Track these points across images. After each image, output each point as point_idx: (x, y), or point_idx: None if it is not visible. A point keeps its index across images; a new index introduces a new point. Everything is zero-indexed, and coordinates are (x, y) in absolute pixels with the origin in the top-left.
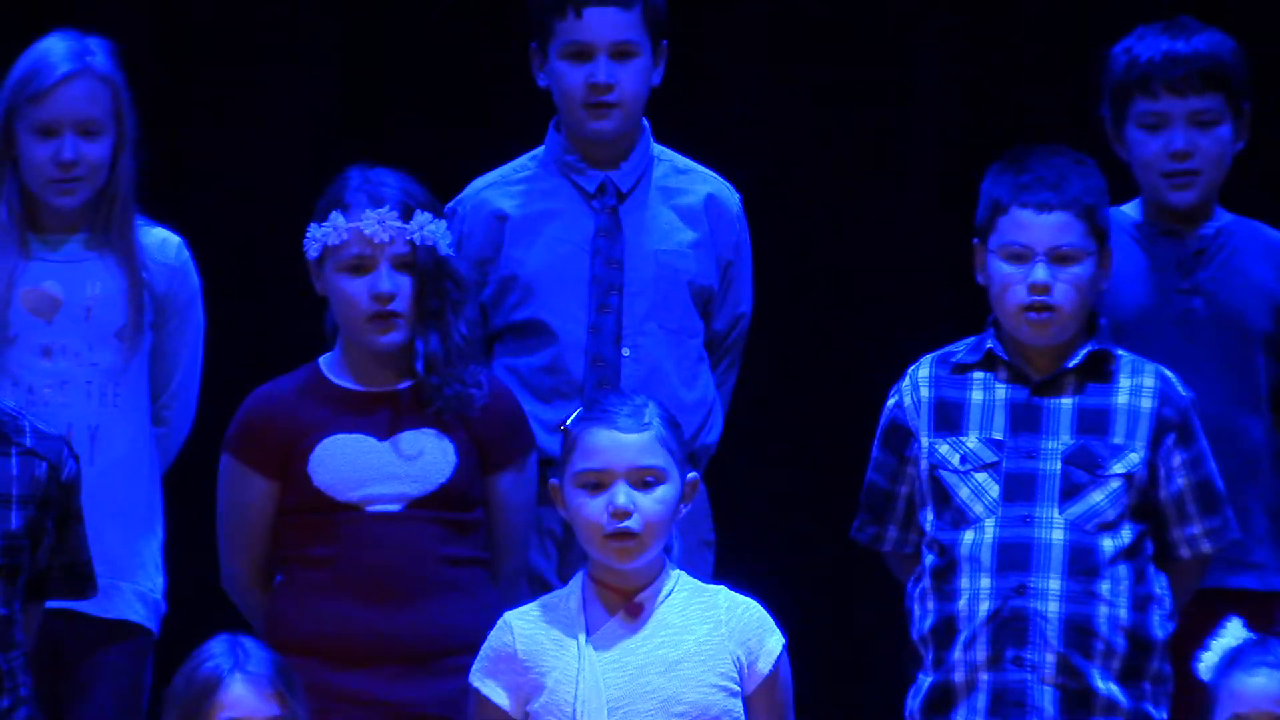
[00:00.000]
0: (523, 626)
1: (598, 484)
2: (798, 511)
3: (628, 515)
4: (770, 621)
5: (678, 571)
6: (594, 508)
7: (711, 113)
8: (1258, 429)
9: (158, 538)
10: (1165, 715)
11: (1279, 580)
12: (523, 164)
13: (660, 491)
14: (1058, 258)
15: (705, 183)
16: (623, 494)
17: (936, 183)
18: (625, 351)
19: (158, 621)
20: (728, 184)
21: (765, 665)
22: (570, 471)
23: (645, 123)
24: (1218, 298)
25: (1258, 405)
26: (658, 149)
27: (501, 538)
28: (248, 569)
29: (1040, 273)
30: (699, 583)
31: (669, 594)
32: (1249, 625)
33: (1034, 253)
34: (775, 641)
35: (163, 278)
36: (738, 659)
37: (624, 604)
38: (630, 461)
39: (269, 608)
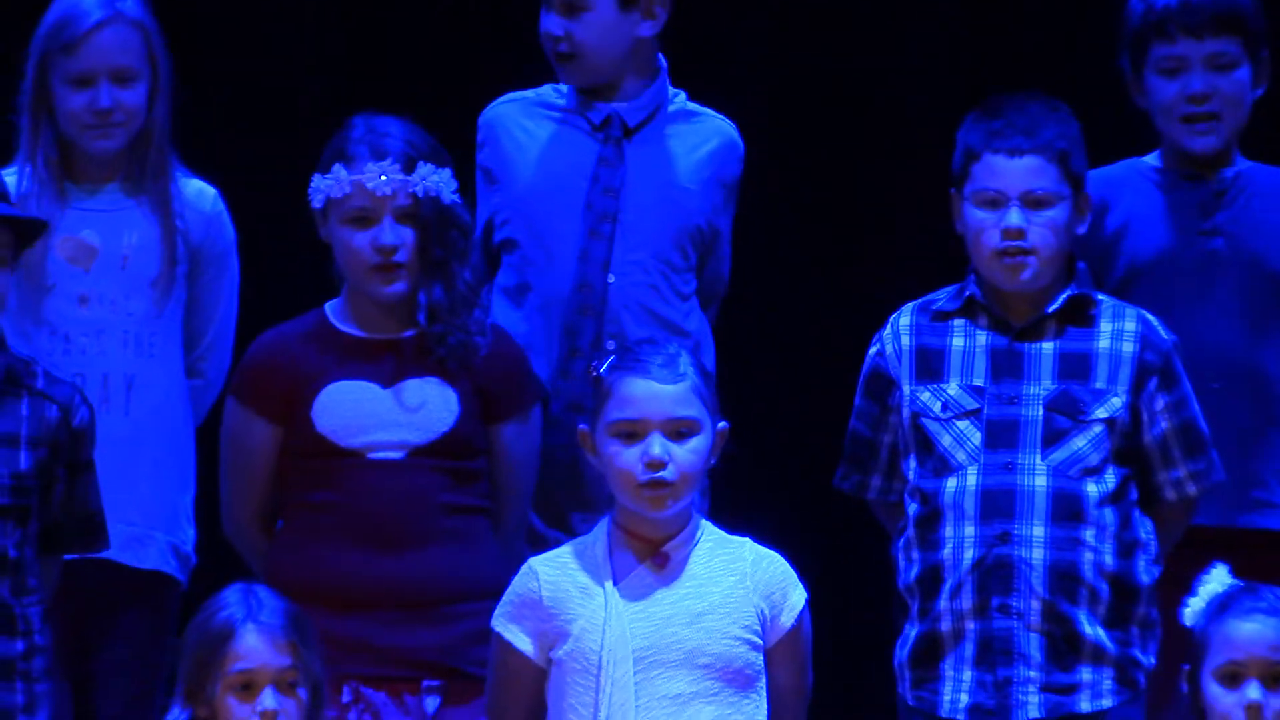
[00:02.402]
0: (548, 573)
1: (632, 434)
2: (791, 460)
3: (663, 466)
4: (794, 576)
5: (704, 521)
6: (629, 457)
7: (711, 100)
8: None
9: (190, 490)
10: (1153, 660)
11: None
12: (553, 90)
13: (694, 442)
14: (1031, 202)
15: (716, 133)
16: (658, 444)
17: (933, 154)
18: (610, 278)
19: (187, 573)
20: (736, 129)
21: (788, 619)
22: (605, 420)
23: (662, 61)
24: (1238, 239)
25: (1278, 344)
26: (673, 91)
27: (504, 487)
28: (250, 513)
29: (1014, 217)
30: (724, 533)
31: (696, 544)
32: (1262, 569)
33: (1007, 198)
34: (798, 596)
35: (199, 227)
36: (761, 612)
37: (651, 552)
38: (666, 412)
39: (270, 552)
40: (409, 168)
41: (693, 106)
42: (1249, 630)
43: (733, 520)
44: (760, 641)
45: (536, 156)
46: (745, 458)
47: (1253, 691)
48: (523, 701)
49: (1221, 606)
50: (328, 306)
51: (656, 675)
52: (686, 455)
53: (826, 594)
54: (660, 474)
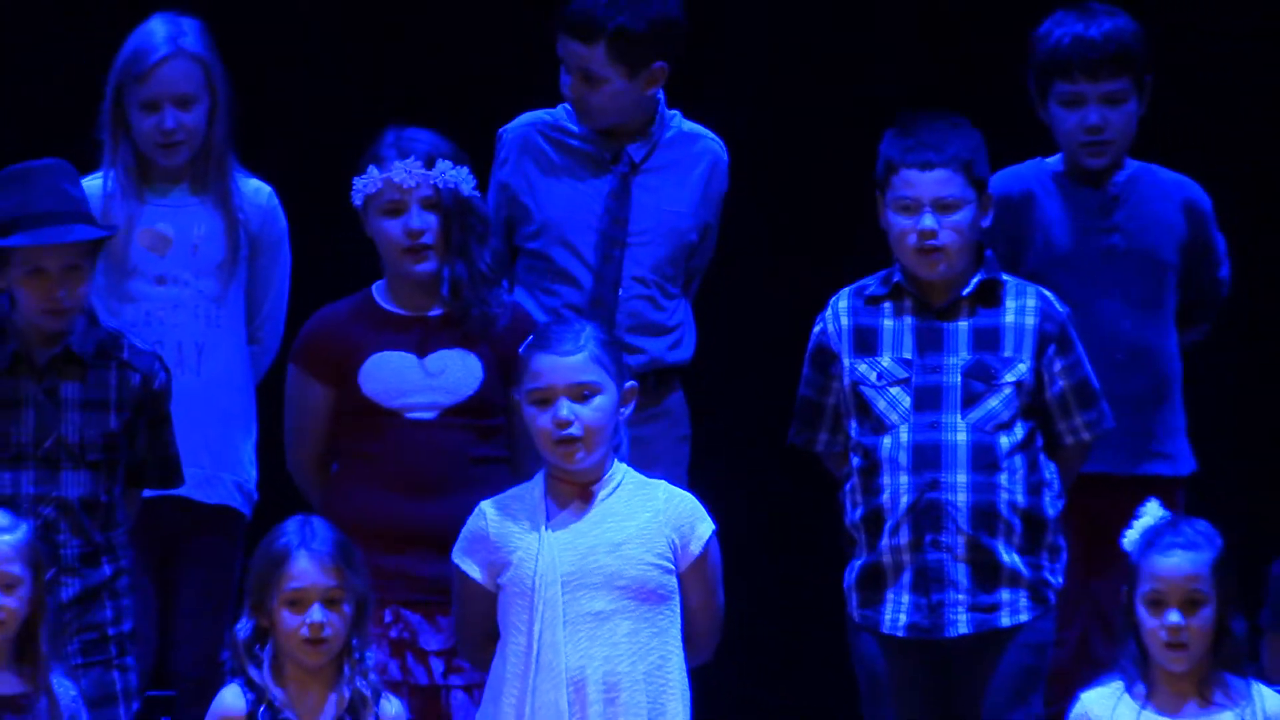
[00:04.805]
0: (493, 514)
1: (544, 400)
2: (762, 414)
3: (569, 424)
4: (702, 511)
5: (624, 467)
6: (542, 420)
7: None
8: (1169, 343)
9: (251, 438)
10: (1061, 580)
11: (1185, 467)
12: (566, 111)
13: (598, 401)
14: (941, 207)
15: (705, 153)
16: (565, 407)
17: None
18: (620, 292)
19: (250, 508)
20: (723, 145)
21: (696, 548)
22: (523, 390)
23: (660, 94)
24: (1133, 235)
25: (1168, 323)
26: (669, 113)
27: (521, 441)
28: (308, 460)
29: (927, 221)
30: (643, 477)
31: (616, 487)
32: (1161, 503)
33: (921, 204)
34: (705, 528)
35: (256, 219)
36: (672, 542)
37: (578, 494)
38: (568, 379)
39: (326, 495)
40: (429, 164)
41: (687, 128)
42: (1169, 563)
43: (715, 470)
44: (672, 567)
45: (559, 187)
46: (721, 419)
47: (1173, 616)
48: (479, 621)
49: (1149, 542)
50: (374, 287)
51: (582, 596)
52: (591, 413)
53: (786, 529)
54: (568, 431)
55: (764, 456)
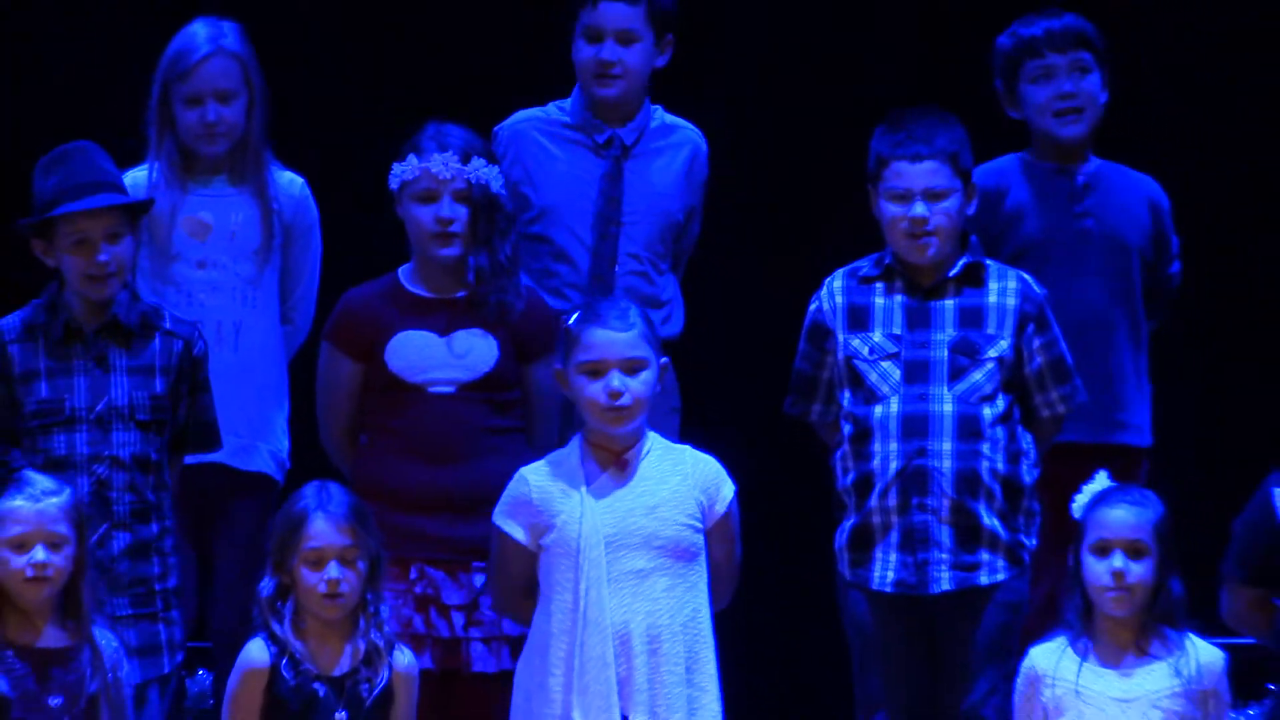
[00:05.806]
0: (536, 479)
1: (595, 371)
2: (747, 388)
3: (620, 395)
4: (725, 473)
5: (653, 434)
6: (594, 389)
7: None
8: (1137, 320)
9: (284, 411)
10: (1035, 542)
11: (1147, 438)
12: (557, 108)
13: (644, 375)
14: (930, 196)
15: (686, 142)
16: (616, 379)
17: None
18: (615, 267)
19: (283, 475)
20: (701, 135)
21: (721, 508)
22: (574, 362)
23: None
24: (1103, 220)
25: (1133, 302)
26: (654, 106)
27: (535, 413)
28: (339, 432)
29: (918, 209)
30: (669, 443)
31: (647, 453)
32: (1122, 473)
33: (912, 194)
34: (728, 489)
35: (289, 208)
36: (700, 503)
37: (614, 460)
38: (621, 354)
39: (356, 464)
40: (465, 159)
41: (669, 120)
42: (1116, 515)
43: (704, 441)
44: (700, 525)
45: (557, 174)
46: (710, 393)
47: (1117, 561)
48: (519, 580)
49: (1098, 499)
50: (400, 270)
51: (622, 555)
52: (638, 385)
53: (772, 497)
54: (619, 401)
55: (750, 429)
